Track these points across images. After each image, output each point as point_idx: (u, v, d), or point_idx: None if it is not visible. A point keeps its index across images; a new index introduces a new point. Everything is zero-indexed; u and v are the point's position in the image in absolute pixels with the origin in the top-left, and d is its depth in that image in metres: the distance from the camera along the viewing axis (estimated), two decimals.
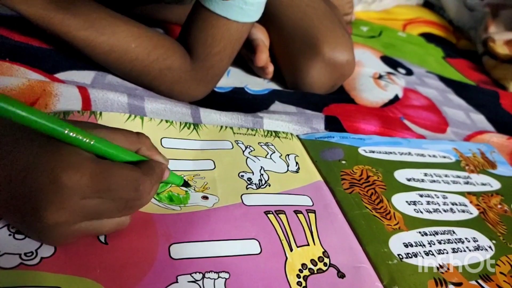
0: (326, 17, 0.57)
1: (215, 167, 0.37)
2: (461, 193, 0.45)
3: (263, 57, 0.55)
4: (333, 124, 0.50)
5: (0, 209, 0.24)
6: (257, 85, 0.57)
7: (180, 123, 0.40)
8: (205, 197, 0.33)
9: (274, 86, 0.58)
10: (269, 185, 0.37)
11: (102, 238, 0.27)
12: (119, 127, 0.28)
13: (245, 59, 0.59)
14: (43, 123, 0.22)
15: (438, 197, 0.43)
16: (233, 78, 0.56)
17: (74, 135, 0.23)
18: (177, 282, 0.26)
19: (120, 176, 0.24)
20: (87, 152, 0.24)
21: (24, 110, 0.21)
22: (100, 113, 0.37)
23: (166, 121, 0.40)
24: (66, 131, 0.23)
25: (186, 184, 0.33)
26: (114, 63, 0.41)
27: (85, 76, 0.41)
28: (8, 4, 0.36)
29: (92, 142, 0.24)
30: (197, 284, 0.27)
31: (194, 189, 0.34)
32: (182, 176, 0.33)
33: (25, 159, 0.23)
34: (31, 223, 0.24)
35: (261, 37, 0.57)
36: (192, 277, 0.27)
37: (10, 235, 0.25)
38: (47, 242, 0.26)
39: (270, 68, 0.57)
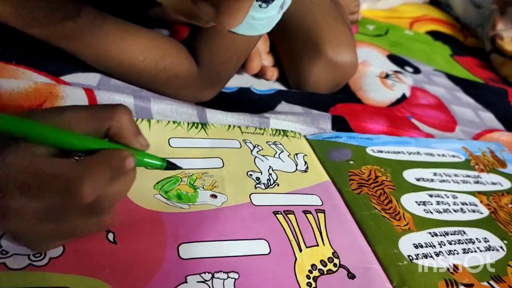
0: (329, 14, 0.56)
1: (223, 166, 0.37)
2: (471, 193, 0.45)
3: (253, 65, 0.54)
4: (340, 124, 0.50)
5: None
6: (262, 85, 0.56)
7: (188, 123, 0.40)
8: (214, 196, 0.33)
9: (279, 86, 0.58)
10: (278, 185, 0.37)
11: (111, 237, 0.27)
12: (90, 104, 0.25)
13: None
14: None
15: (448, 197, 0.42)
16: (239, 78, 0.56)
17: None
18: (186, 282, 0.26)
19: (48, 175, 0.21)
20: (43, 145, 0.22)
21: None
22: None
23: (174, 122, 0.40)
24: None
25: (170, 164, 0.28)
26: (121, 74, 0.41)
27: (91, 78, 0.41)
28: (18, 27, 0.35)
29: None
30: (207, 284, 0.27)
31: (203, 187, 0.34)
32: (166, 159, 0.28)
33: None
34: None
35: None
36: (201, 277, 0.27)
37: None
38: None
39: (269, 73, 0.56)
